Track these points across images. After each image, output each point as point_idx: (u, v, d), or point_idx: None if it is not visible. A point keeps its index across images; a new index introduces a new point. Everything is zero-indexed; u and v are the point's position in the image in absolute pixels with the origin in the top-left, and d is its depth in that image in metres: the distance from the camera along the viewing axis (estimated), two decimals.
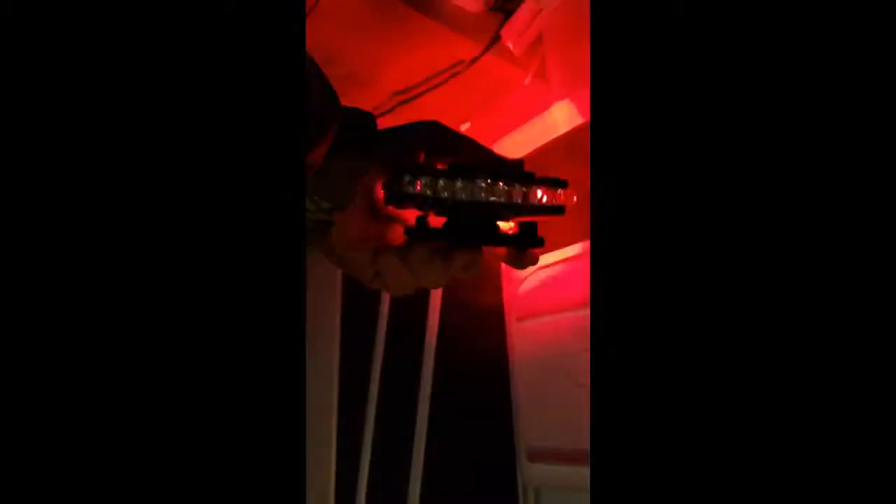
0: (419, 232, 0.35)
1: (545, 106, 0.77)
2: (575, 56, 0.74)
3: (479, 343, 0.82)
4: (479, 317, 0.82)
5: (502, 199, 0.35)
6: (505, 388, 0.75)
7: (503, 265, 0.72)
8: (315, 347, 1.22)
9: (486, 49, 0.67)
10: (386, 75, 0.72)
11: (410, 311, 0.97)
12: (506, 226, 0.37)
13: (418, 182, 0.33)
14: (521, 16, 0.66)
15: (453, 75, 0.70)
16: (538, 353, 0.70)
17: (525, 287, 0.73)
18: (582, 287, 0.65)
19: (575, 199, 0.36)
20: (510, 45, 0.67)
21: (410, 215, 0.35)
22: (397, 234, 0.36)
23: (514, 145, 0.82)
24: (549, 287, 0.70)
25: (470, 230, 0.35)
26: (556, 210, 0.36)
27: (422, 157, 0.35)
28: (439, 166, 0.35)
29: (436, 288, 0.35)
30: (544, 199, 0.35)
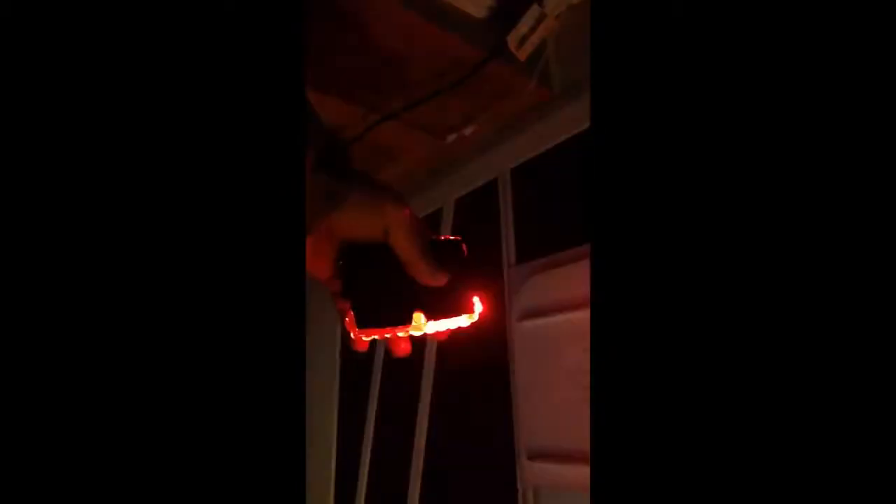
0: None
1: (548, 111, 0.77)
2: (578, 63, 0.75)
3: (480, 342, 0.82)
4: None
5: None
6: (505, 388, 0.75)
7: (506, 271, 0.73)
8: (315, 346, 1.22)
9: (492, 55, 0.67)
10: (391, 79, 0.72)
11: None
12: None
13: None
14: (525, 22, 0.67)
15: (458, 80, 0.70)
16: (538, 353, 0.70)
17: (526, 288, 0.73)
18: (583, 288, 0.65)
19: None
20: (514, 51, 0.68)
21: None
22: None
23: (514, 150, 0.83)
24: (550, 288, 0.70)
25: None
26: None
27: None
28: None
29: None
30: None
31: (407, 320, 0.40)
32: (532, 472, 0.67)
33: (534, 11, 0.66)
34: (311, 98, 0.35)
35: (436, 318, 0.41)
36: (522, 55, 0.68)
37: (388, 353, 1.02)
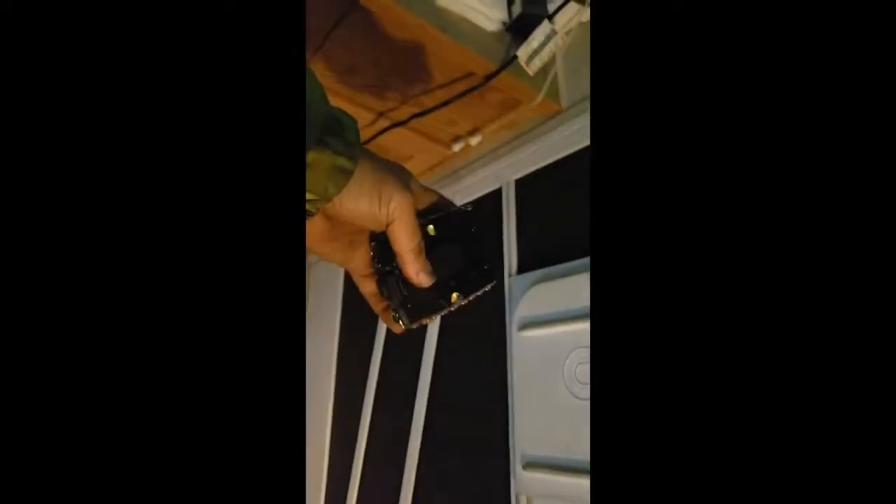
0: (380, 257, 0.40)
1: (554, 125, 0.78)
2: (585, 79, 0.76)
3: (478, 350, 0.83)
4: (480, 324, 0.83)
5: None
6: (502, 396, 0.76)
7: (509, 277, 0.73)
8: (314, 349, 1.22)
9: (502, 68, 0.68)
10: (401, 86, 0.74)
11: None
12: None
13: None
14: (536, 38, 0.68)
15: (468, 90, 0.71)
16: (537, 363, 0.70)
17: (527, 298, 0.74)
18: (583, 300, 0.66)
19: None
20: (524, 65, 0.69)
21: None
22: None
23: (519, 162, 0.84)
24: (550, 299, 0.71)
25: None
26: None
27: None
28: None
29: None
30: None
31: (448, 304, 0.41)
32: (526, 481, 0.67)
33: (544, 27, 0.67)
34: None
35: (467, 296, 0.42)
36: (532, 69, 0.70)
37: (384, 358, 1.03)
